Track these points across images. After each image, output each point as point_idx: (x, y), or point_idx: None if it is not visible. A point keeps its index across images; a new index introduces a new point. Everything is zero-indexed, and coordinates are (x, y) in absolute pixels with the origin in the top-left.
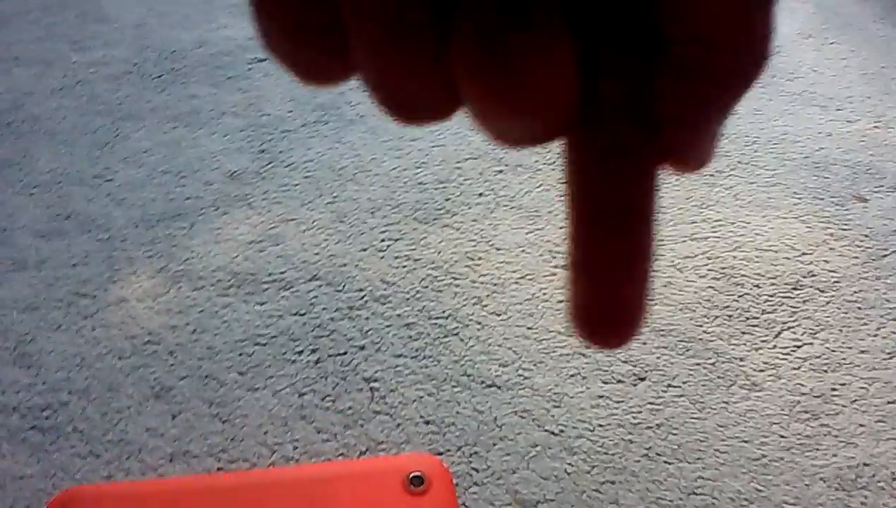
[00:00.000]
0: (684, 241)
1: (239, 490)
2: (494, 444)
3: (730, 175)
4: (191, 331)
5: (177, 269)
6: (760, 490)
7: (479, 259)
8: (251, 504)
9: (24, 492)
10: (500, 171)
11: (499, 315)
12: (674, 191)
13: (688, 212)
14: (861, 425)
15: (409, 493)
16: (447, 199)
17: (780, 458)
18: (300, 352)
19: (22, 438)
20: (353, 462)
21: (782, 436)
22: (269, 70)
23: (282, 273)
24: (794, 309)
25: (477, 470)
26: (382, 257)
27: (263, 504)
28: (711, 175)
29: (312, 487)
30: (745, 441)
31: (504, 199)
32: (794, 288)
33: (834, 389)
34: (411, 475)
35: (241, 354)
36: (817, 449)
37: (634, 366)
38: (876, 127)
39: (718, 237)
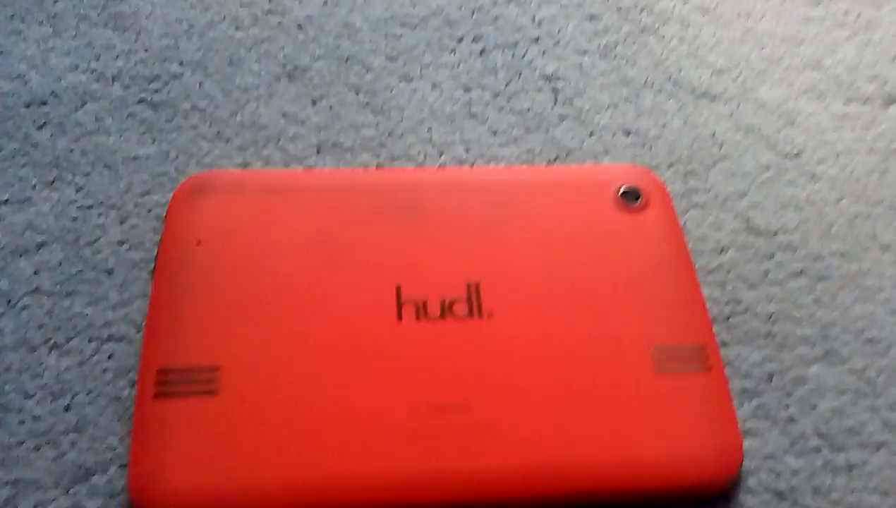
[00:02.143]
0: None
1: (409, 188)
2: (715, 163)
3: None
4: (321, 3)
5: None
6: None
7: None
8: (424, 206)
9: (141, 175)
10: None
11: (706, 12)
12: None
13: None
14: None
15: (623, 208)
16: None
17: None
18: (460, 40)
19: (128, 113)
20: (548, 168)
21: None
22: None
23: None
24: None
25: (696, 191)
26: None
27: (439, 207)
28: None
29: (500, 192)
30: None
31: None
32: None
33: None
34: (623, 188)
35: (386, 35)
36: None
37: (884, 85)
38: None
39: None
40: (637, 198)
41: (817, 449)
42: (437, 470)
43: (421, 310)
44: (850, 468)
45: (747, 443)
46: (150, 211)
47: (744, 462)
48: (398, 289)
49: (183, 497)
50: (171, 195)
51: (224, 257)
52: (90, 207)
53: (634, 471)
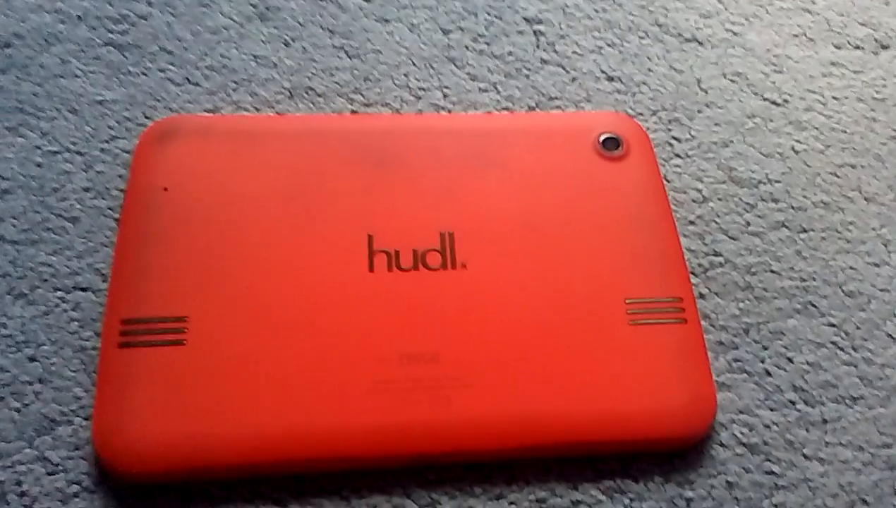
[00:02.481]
0: None
1: (383, 135)
2: (699, 111)
3: None
4: None
5: None
6: None
7: None
8: (398, 153)
9: (108, 120)
10: None
11: None
12: None
13: None
14: None
15: (602, 157)
16: None
17: None
18: None
19: (95, 56)
20: (527, 115)
21: None
22: None
23: None
24: None
25: (678, 140)
26: None
27: (413, 155)
28: None
29: (477, 140)
30: None
31: None
32: None
33: None
34: (603, 136)
35: None
36: None
37: (875, 30)
38: None
39: None
40: (618, 147)
41: (792, 403)
42: (407, 422)
43: (393, 261)
44: (825, 422)
45: (721, 397)
46: (116, 157)
47: (717, 416)
48: (370, 239)
49: (148, 447)
50: (137, 140)
51: (191, 204)
52: (55, 153)
53: (607, 423)
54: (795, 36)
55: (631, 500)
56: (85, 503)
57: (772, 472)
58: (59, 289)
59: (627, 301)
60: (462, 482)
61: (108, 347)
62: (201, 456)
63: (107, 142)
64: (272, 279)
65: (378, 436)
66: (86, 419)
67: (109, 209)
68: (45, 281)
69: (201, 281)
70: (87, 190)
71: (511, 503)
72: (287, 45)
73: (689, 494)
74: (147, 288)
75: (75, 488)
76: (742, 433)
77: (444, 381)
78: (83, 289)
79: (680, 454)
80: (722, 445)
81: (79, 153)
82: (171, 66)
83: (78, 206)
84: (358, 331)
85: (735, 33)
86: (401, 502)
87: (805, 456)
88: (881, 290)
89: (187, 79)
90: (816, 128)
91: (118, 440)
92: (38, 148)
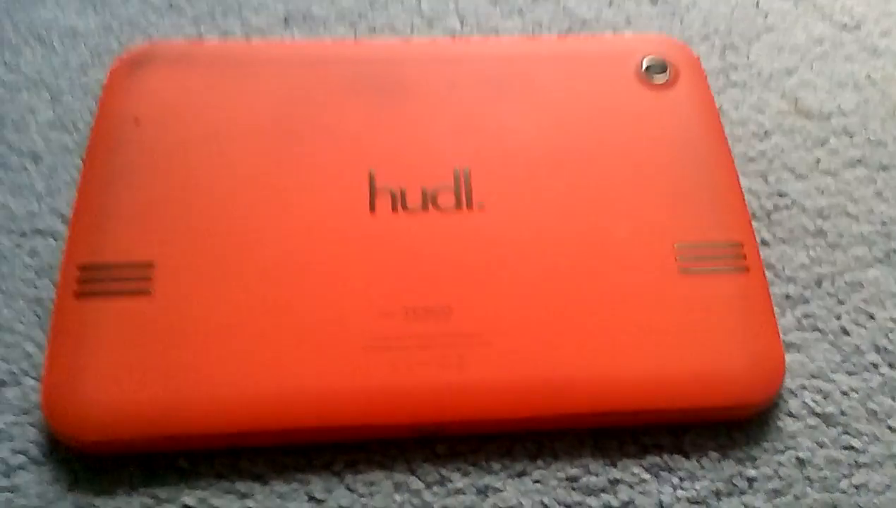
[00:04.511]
0: None
1: (388, 62)
2: (758, 36)
3: None
4: None
5: None
6: None
7: None
8: (405, 81)
9: (79, 50)
10: None
11: None
12: None
13: None
14: None
15: (646, 84)
16: None
17: None
18: None
19: None
20: (557, 38)
21: None
22: None
23: None
24: None
25: (735, 68)
26: None
27: (422, 82)
28: None
29: (497, 65)
30: None
31: None
32: None
33: None
34: (647, 60)
35: None
36: None
37: None
38: None
39: None
40: (664, 72)
41: (874, 366)
42: (412, 385)
43: (398, 201)
44: None
45: (790, 358)
46: (86, 89)
47: (785, 381)
48: (371, 176)
49: (105, 412)
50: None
51: (165, 138)
52: (19, 86)
53: (653, 389)
54: None
55: (681, 479)
56: (31, 476)
57: (851, 447)
58: (14, 233)
59: (677, 246)
60: (477, 456)
61: (63, 297)
62: (168, 423)
63: (77, 74)
64: (255, 221)
65: (378, 401)
66: (36, 379)
67: (76, 146)
68: (0, 224)
69: (172, 223)
70: (51, 125)
71: (536, 481)
72: None
73: (752, 472)
74: (110, 231)
75: (20, 459)
76: (815, 401)
77: (456, 339)
78: (42, 234)
79: (740, 425)
80: (791, 415)
81: (45, 86)
82: None
83: (41, 142)
84: (355, 281)
85: None
86: (404, 479)
87: (890, 429)
88: None
89: (169, 5)
90: (894, 55)
91: (71, 403)
92: (0, 80)
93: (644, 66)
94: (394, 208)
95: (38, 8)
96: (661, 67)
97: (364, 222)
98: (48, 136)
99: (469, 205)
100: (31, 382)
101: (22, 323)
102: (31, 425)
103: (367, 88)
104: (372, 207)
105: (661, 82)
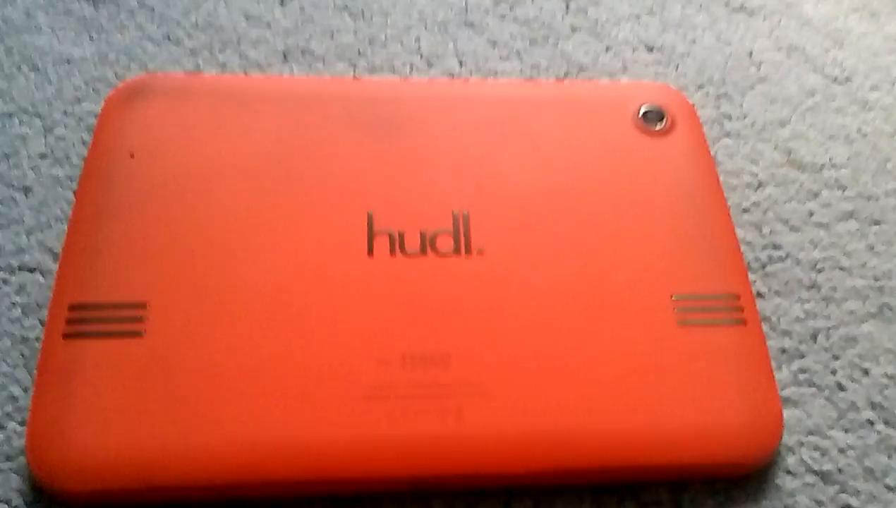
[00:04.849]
0: None
1: (388, 100)
2: (753, 86)
3: None
4: None
5: None
6: None
7: None
8: (405, 120)
9: (74, 80)
10: None
11: None
12: None
13: None
14: None
15: (643, 131)
16: None
17: None
18: None
19: (65, 10)
20: (556, 83)
21: None
22: None
23: None
24: None
25: (729, 118)
26: None
27: (422, 123)
28: None
29: (498, 108)
30: None
31: None
32: None
33: None
34: (645, 108)
35: None
36: None
37: None
38: None
39: None
40: (661, 120)
41: (870, 423)
42: (409, 437)
43: (396, 244)
44: None
45: (787, 414)
46: (81, 120)
47: (783, 437)
48: (370, 218)
49: (93, 461)
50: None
51: (161, 174)
52: (10, 115)
53: (651, 444)
54: (857, 9)
55: None
56: None
57: (849, 506)
58: (1, 269)
59: (675, 297)
60: None
61: (51, 337)
62: (159, 474)
63: (71, 104)
64: (250, 263)
65: (374, 454)
66: (21, 423)
67: (68, 179)
68: None
69: (166, 263)
70: (43, 156)
71: None
72: (283, 2)
73: None
74: (102, 269)
75: None
76: (813, 458)
77: (454, 389)
78: (30, 270)
79: (739, 482)
80: (789, 472)
81: (38, 115)
82: (150, 23)
83: (32, 175)
84: (352, 327)
85: (788, 4)
86: None
87: (888, 487)
88: None
89: (167, 37)
90: (884, 109)
91: (57, 450)
92: None
93: (641, 113)
94: (392, 251)
95: (32, 34)
96: (659, 115)
97: (362, 265)
98: (39, 168)
99: (468, 249)
100: (16, 426)
101: (7, 363)
102: (15, 472)
103: (365, 126)
104: (370, 250)
105: (657, 130)
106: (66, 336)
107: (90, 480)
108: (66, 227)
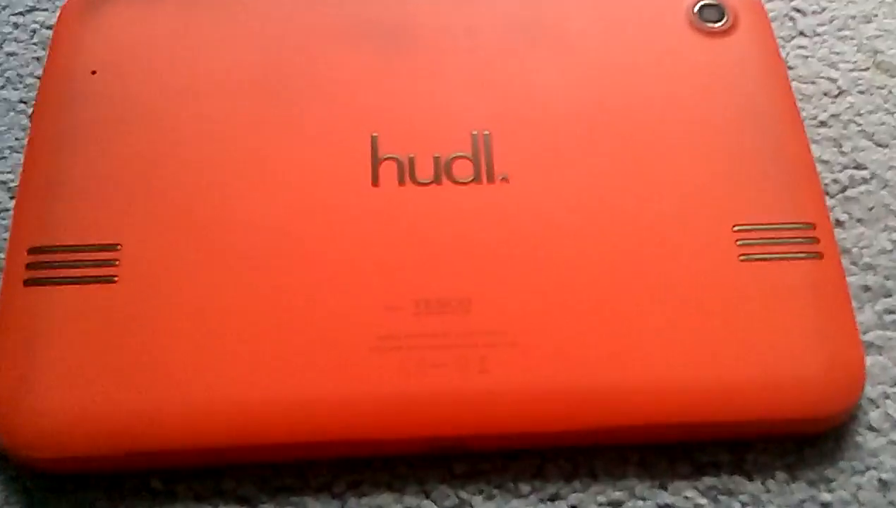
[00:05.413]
0: None
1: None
2: None
3: None
4: None
5: None
6: None
7: None
8: (415, 26)
9: None
10: None
11: None
12: None
13: None
14: None
15: (700, 31)
16: None
17: None
18: None
19: None
20: None
21: None
22: None
23: None
24: None
25: (802, 13)
26: None
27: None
28: None
29: (524, 8)
30: None
31: None
32: None
33: None
34: (701, 3)
35: None
36: None
37: None
38: None
39: None
40: (721, 17)
41: None
42: (425, 393)
43: (406, 171)
44: None
45: (870, 361)
46: (33, 34)
47: (865, 388)
48: (374, 141)
49: (62, 426)
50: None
51: (129, 94)
52: None
53: (709, 398)
54: None
55: (743, 505)
56: None
57: None
58: None
59: (737, 228)
60: (502, 476)
61: (10, 285)
62: (138, 437)
63: (21, 14)
64: (236, 196)
65: (385, 411)
66: None
67: (22, 102)
68: None
69: (140, 198)
70: None
71: (572, 506)
72: None
73: (826, 497)
74: (65, 207)
75: None
76: None
77: (476, 338)
78: None
79: (812, 441)
80: (872, 429)
81: None
82: None
83: None
84: (355, 268)
85: None
86: (416, 502)
87: None
88: None
89: None
90: None
91: (22, 413)
92: None
93: (697, 9)
94: (400, 180)
95: None
96: (718, 11)
97: (365, 197)
98: None
99: (490, 177)
100: None
101: None
102: None
103: (368, 35)
104: (374, 179)
105: (717, 28)
106: (28, 282)
107: (58, 446)
108: (22, 158)
